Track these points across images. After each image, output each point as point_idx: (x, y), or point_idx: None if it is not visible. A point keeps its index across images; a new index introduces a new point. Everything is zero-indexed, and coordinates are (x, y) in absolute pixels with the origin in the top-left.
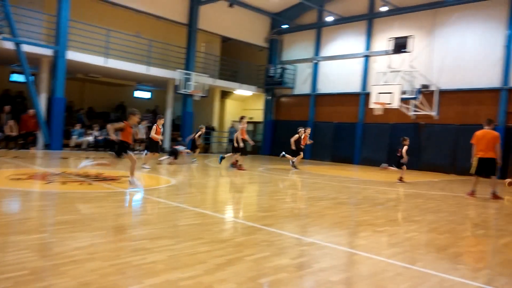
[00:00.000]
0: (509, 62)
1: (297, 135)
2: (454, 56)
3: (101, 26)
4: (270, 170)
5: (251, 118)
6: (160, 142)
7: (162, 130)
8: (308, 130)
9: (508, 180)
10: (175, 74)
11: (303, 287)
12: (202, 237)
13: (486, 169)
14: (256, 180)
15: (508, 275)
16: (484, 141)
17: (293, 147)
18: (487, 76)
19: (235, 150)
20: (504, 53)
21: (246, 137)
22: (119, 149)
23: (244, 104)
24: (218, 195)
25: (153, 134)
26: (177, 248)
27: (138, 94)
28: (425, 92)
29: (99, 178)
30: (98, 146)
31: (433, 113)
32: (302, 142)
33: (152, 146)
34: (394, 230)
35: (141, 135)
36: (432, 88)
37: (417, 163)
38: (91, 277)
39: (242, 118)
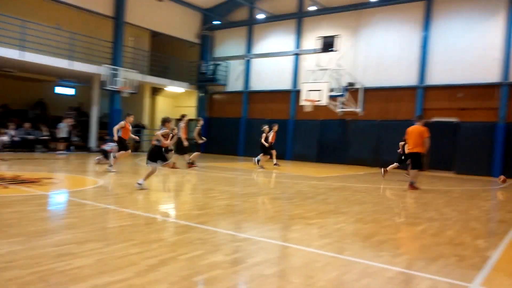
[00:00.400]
0: (425, 62)
1: (264, 134)
2: (376, 56)
3: (15, 17)
4: (205, 168)
5: (183, 115)
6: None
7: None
8: (275, 128)
9: (502, 177)
10: (101, 70)
11: (238, 283)
12: (133, 239)
13: (412, 162)
14: (191, 178)
15: (424, 259)
16: (413, 136)
17: (266, 146)
18: (406, 74)
19: (184, 150)
20: (420, 53)
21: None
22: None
23: (176, 101)
24: (151, 195)
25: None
26: (106, 251)
27: (60, 90)
28: (351, 89)
29: (16, 180)
30: (15, 146)
31: (358, 109)
32: (270, 140)
33: (122, 146)
34: (324, 222)
35: (63, 134)
36: (357, 86)
37: (344, 158)
38: (9, 287)
39: (183, 116)
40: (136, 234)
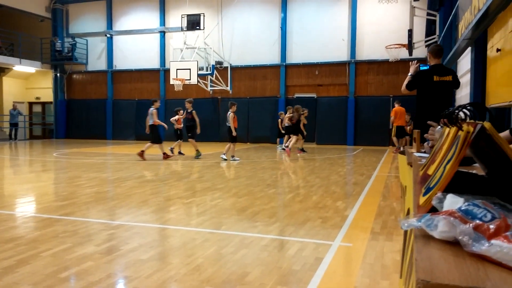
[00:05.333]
0: (285, 42)
1: (279, 119)
2: (241, 35)
3: None
4: (68, 154)
5: (38, 98)
6: None
7: None
8: (290, 111)
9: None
10: None
11: (112, 272)
12: None
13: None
14: (52, 167)
15: (294, 224)
16: (399, 114)
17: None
18: (270, 53)
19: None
20: (280, 34)
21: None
22: None
23: (27, 82)
24: (4, 189)
25: None
26: None
27: None
28: (219, 68)
29: None
30: None
31: (227, 87)
32: (286, 122)
33: None
34: (200, 200)
35: None
36: (225, 64)
37: (217, 135)
38: None
39: (155, 101)
40: None
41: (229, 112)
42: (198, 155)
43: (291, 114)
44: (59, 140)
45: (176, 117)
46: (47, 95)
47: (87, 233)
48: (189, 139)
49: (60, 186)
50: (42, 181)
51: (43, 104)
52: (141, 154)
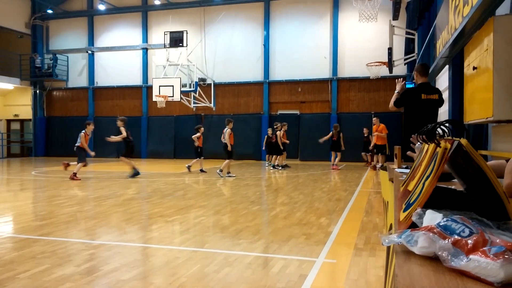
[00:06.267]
0: (268, 59)
1: (272, 135)
2: (224, 52)
3: None
4: (47, 173)
5: (16, 115)
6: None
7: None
8: (285, 127)
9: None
10: None
11: None
12: None
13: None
14: (30, 186)
15: (278, 241)
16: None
17: (281, 147)
18: (253, 70)
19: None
20: (263, 51)
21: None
22: None
23: (5, 99)
24: None
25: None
26: None
27: None
28: (203, 85)
29: None
30: None
31: (211, 104)
32: (283, 140)
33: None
34: (183, 217)
35: None
36: (208, 81)
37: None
38: None
39: (122, 120)
40: None
41: (226, 129)
42: (134, 174)
43: (281, 131)
44: (38, 158)
45: (198, 134)
46: (26, 112)
47: (66, 254)
48: (122, 157)
49: (39, 205)
50: (20, 200)
51: (22, 121)
52: (73, 176)
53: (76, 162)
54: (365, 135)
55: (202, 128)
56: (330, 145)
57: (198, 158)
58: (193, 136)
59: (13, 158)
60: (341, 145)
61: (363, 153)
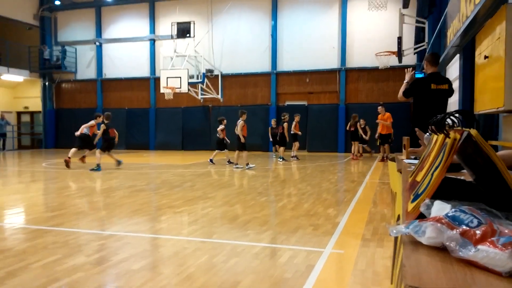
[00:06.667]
0: (275, 50)
1: (280, 126)
2: (231, 43)
3: None
4: (57, 164)
5: (26, 107)
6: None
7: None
8: (297, 118)
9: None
10: None
11: (103, 283)
12: None
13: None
14: (41, 177)
15: (285, 232)
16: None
17: (287, 138)
18: (260, 61)
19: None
20: (270, 41)
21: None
22: None
23: (15, 91)
24: None
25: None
26: None
27: None
28: (210, 76)
29: None
30: None
31: (218, 96)
32: (295, 131)
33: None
34: (192, 209)
35: None
36: (216, 72)
37: (209, 144)
38: None
39: (104, 117)
40: None
41: (239, 120)
42: (97, 169)
43: (294, 122)
44: (48, 150)
45: (221, 126)
46: (36, 104)
47: (77, 244)
48: (99, 150)
49: (50, 196)
50: (31, 192)
51: (32, 113)
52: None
53: (87, 152)
54: (362, 126)
55: (225, 120)
56: (350, 136)
57: (221, 150)
58: (218, 129)
59: (24, 150)
60: (359, 135)
61: (365, 145)
